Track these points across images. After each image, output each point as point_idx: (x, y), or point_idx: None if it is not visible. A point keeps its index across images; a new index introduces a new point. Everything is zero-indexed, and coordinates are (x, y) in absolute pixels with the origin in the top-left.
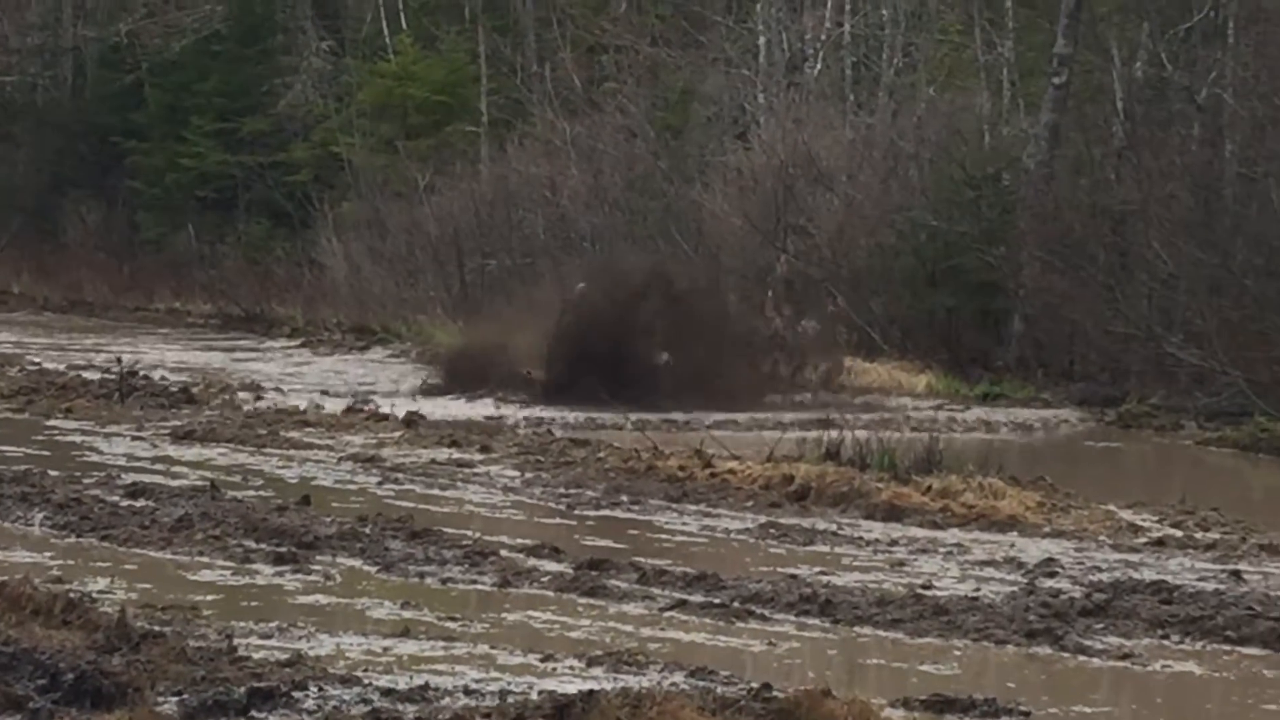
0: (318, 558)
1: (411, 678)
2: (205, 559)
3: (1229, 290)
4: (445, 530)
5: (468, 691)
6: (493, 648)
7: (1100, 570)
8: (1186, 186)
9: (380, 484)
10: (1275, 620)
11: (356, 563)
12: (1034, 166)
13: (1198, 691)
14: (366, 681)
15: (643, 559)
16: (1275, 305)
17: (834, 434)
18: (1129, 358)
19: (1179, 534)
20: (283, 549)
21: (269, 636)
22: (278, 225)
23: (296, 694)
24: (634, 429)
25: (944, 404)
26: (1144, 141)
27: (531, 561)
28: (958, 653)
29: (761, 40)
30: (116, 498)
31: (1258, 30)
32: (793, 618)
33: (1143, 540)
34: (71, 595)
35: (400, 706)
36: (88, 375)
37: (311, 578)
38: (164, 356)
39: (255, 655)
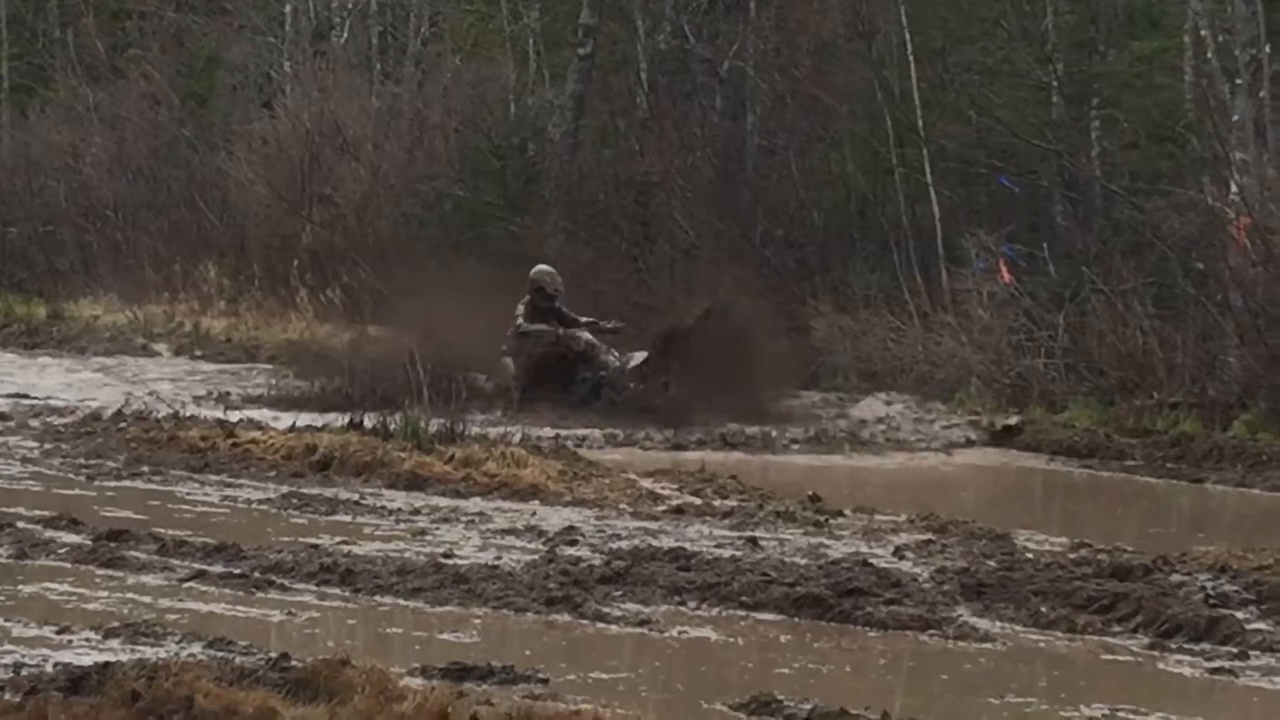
0: None
1: None
2: None
3: (749, 260)
4: None
5: None
6: (7, 620)
7: (620, 538)
8: (708, 158)
9: None
10: (789, 586)
11: None
12: (559, 137)
13: (714, 656)
14: None
15: (163, 530)
16: (794, 275)
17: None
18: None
19: (698, 501)
20: None
21: None
22: None
23: None
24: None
25: None
26: (667, 113)
27: (49, 533)
28: (478, 621)
29: (288, 8)
30: None
31: (777, 4)
32: (313, 587)
33: (662, 508)
34: None
35: None
36: None
37: None
38: None
39: None
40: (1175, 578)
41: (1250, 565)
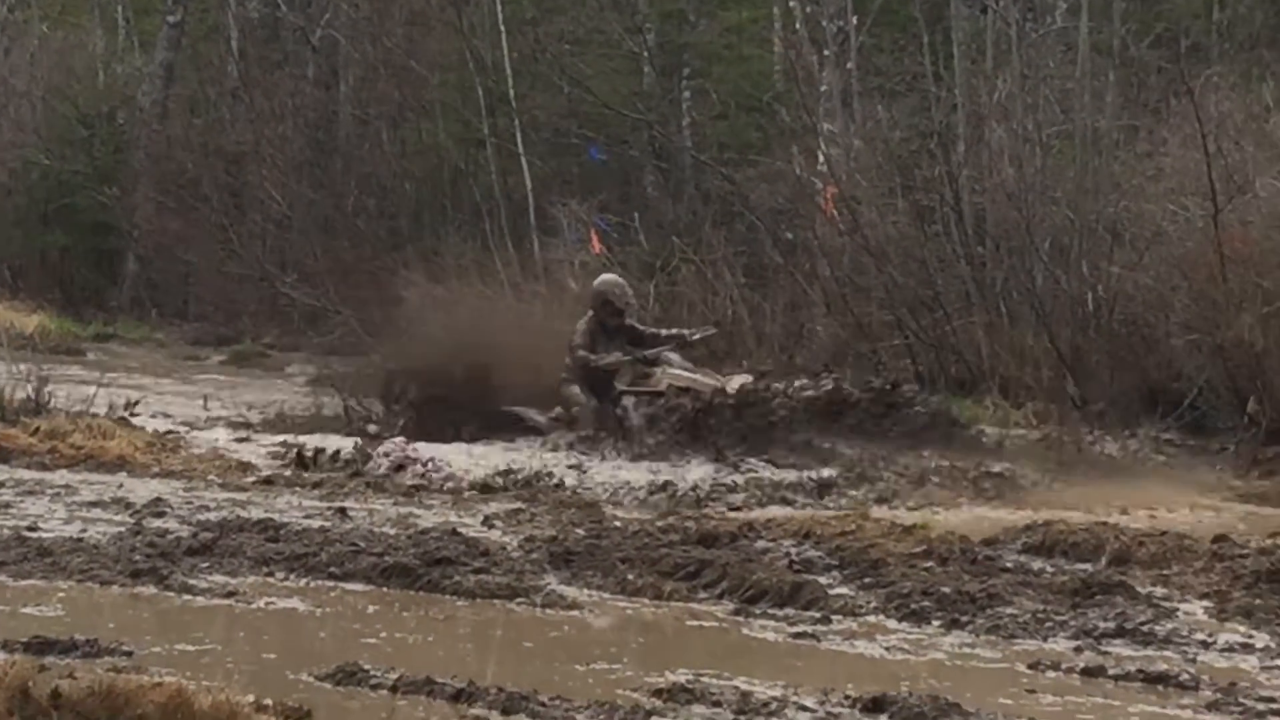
0: None
1: None
2: None
3: (341, 230)
4: None
5: None
6: None
7: (208, 509)
8: (300, 127)
9: None
10: (378, 556)
11: None
12: (148, 105)
13: (301, 627)
14: None
15: None
16: (386, 245)
17: None
18: (243, 297)
19: (287, 472)
20: None
21: None
22: None
23: None
24: None
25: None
26: (257, 82)
27: None
28: (62, 594)
29: None
30: None
31: None
32: None
33: (251, 479)
34: None
35: None
36: None
37: None
38: None
39: None
40: (760, 544)
41: (833, 531)
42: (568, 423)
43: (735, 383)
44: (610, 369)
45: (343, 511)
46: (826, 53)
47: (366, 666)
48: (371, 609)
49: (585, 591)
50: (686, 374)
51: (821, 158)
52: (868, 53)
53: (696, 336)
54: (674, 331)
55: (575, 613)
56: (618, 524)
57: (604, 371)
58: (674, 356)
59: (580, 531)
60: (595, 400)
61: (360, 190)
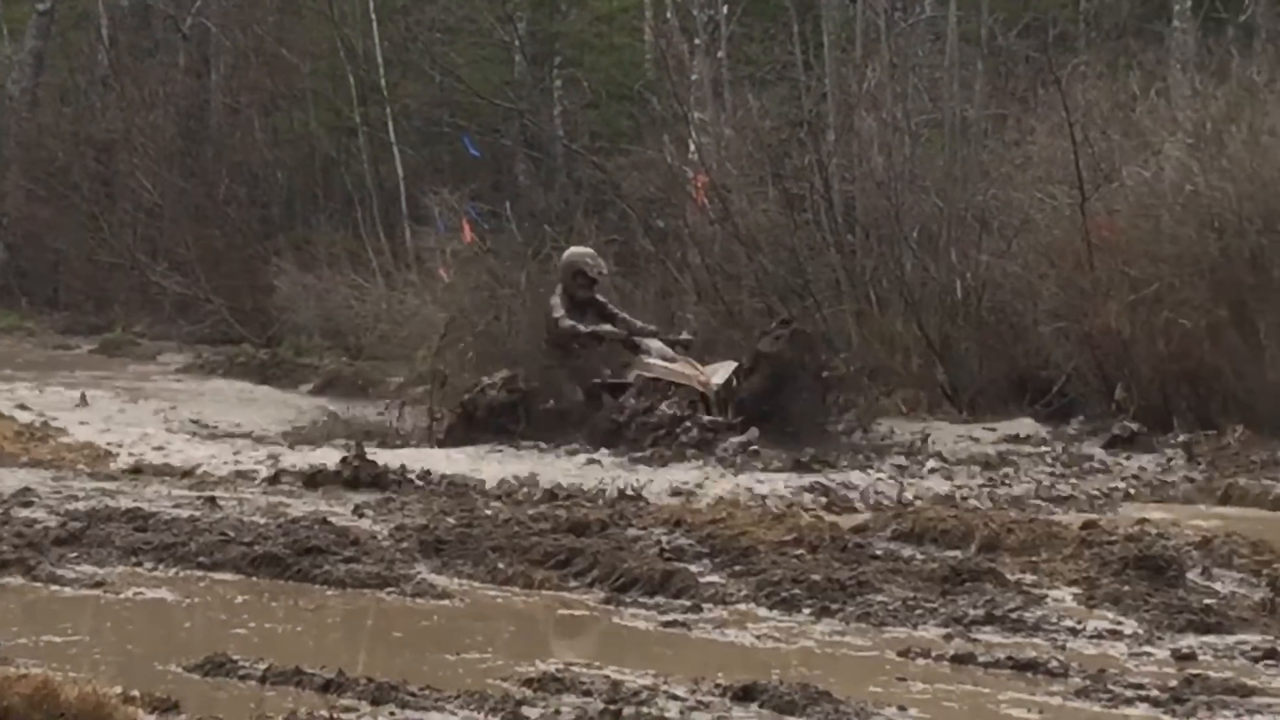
0: None
1: None
2: None
3: (213, 219)
4: None
5: None
6: None
7: (77, 499)
8: (170, 116)
9: None
10: (248, 545)
11: None
12: (18, 94)
13: (170, 617)
14: None
15: None
16: (258, 234)
17: None
18: (114, 286)
19: (157, 461)
20: None
21: None
22: None
23: None
24: None
25: None
26: (128, 70)
27: None
28: None
29: None
30: None
31: None
32: None
33: (121, 468)
34: None
35: None
36: None
37: None
38: None
39: None
40: (631, 532)
41: (704, 520)
42: (559, 415)
43: (720, 374)
44: (600, 337)
45: (212, 500)
46: (697, 41)
47: (235, 657)
48: (240, 599)
49: (456, 580)
50: (662, 364)
51: (692, 146)
52: (738, 41)
53: (678, 339)
54: (651, 329)
55: (445, 602)
56: (488, 513)
57: (590, 343)
58: (654, 344)
59: (451, 520)
60: (578, 387)
61: (231, 179)
